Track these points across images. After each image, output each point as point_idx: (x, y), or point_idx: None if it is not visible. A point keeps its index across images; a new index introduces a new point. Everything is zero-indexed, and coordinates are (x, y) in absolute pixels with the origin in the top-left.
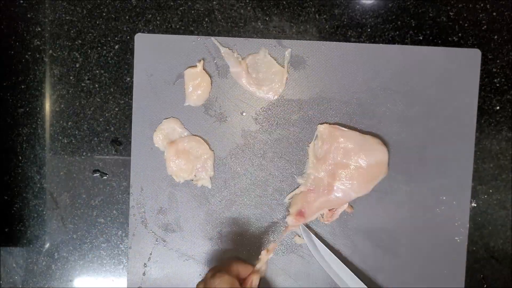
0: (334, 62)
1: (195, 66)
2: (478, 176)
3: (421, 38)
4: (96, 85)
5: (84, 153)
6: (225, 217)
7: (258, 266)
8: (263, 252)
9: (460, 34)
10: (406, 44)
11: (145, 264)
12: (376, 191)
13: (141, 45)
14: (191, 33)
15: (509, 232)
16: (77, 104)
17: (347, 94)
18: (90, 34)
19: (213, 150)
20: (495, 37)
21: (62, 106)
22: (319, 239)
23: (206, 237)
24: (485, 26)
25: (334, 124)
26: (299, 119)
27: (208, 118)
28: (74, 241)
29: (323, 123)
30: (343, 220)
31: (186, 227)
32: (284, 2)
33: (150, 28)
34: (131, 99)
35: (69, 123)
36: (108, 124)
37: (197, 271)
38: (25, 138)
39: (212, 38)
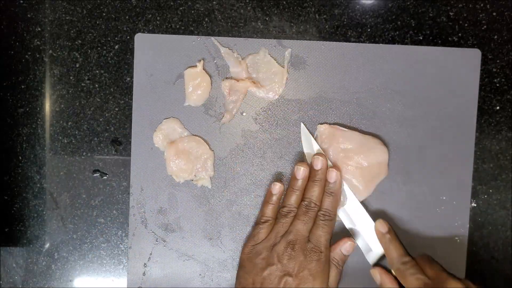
0: (334, 62)
1: (195, 66)
2: (478, 176)
3: (421, 38)
4: (96, 85)
5: (84, 153)
6: (225, 217)
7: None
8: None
9: (460, 34)
10: (406, 44)
11: (145, 264)
12: (376, 191)
13: (141, 45)
14: (191, 33)
15: (509, 232)
16: (77, 104)
17: (347, 94)
18: (90, 34)
19: (213, 150)
20: (495, 37)
21: (62, 106)
22: None
23: (206, 237)
24: (485, 26)
25: (334, 124)
26: (299, 119)
27: (208, 118)
28: (74, 241)
29: (323, 123)
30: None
31: (186, 227)
32: (284, 2)
33: (150, 28)
34: (131, 99)
35: (69, 123)
36: (108, 124)
37: (197, 271)
38: (25, 138)
39: (212, 38)
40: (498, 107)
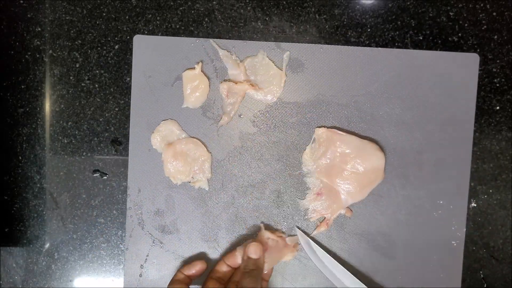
0: (332, 65)
1: (194, 68)
2: (478, 176)
3: (421, 38)
4: (96, 85)
5: (84, 153)
6: (222, 219)
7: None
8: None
9: (460, 34)
10: (406, 44)
11: (141, 265)
12: (373, 194)
13: (139, 47)
14: (191, 33)
15: (509, 232)
16: (77, 104)
17: (345, 98)
18: (90, 34)
19: (210, 152)
20: (495, 37)
21: (62, 106)
22: (316, 242)
23: (203, 239)
24: (485, 26)
25: (332, 127)
26: (297, 122)
27: (206, 120)
28: (74, 241)
29: (321, 126)
30: (340, 224)
31: (183, 229)
32: (284, 2)
33: (150, 28)
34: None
35: (69, 123)
36: (108, 124)
37: None
38: (25, 138)
39: (211, 40)
40: (498, 107)
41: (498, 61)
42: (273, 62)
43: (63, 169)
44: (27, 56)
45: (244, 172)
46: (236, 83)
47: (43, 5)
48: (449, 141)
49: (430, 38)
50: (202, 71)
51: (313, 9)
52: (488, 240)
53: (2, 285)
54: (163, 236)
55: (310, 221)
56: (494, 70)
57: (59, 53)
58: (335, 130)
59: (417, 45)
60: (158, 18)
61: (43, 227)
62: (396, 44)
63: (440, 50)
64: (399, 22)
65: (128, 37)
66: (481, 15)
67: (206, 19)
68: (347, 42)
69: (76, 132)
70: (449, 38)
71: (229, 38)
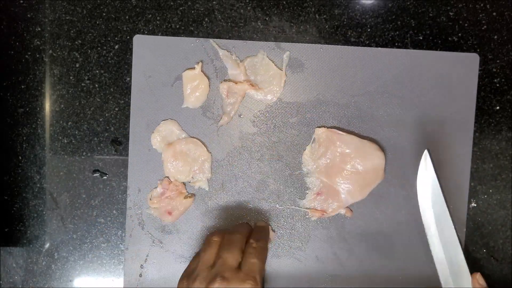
0: (332, 65)
1: (194, 68)
2: (478, 176)
3: (421, 38)
4: (96, 85)
5: (84, 153)
6: (222, 219)
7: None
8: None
9: (460, 34)
10: (406, 44)
11: (141, 265)
12: (373, 194)
13: (139, 47)
14: (191, 33)
15: (509, 232)
16: (77, 104)
17: (345, 98)
18: (90, 34)
19: (210, 152)
20: (495, 37)
21: (62, 106)
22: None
23: (203, 239)
24: (485, 26)
25: (332, 127)
26: (297, 122)
27: (206, 120)
28: (74, 241)
29: (321, 126)
30: (340, 223)
31: (183, 229)
32: (284, 2)
33: (150, 28)
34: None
35: (69, 123)
36: (108, 124)
37: None
38: (25, 138)
39: (211, 40)
40: (498, 107)
41: (498, 61)
42: (273, 62)
43: (63, 169)
44: (27, 56)
45: (244, 172)
46: (236, 83)
47: (43, 5)
48: (449, 141)
49: (430, 38)
50: (202, 71)
51: (313, 9)
52: (488, 240)
53: (2, 285)
54: (163, 236)
55: (310, 221)
56: (494, 70)
57: (59, 53)
58: (335, 130)
59: (417, 45)
60: (158, 18)
61: (43, 227)
62: (396, 44)
63: (440, 50)
64: (399, 22)
65: (128, 37)
66: (481, 15)
67: (206, 19)
68: (347, 42)
69: (76, 132)
70: (449, 38)
71: (229, 38)
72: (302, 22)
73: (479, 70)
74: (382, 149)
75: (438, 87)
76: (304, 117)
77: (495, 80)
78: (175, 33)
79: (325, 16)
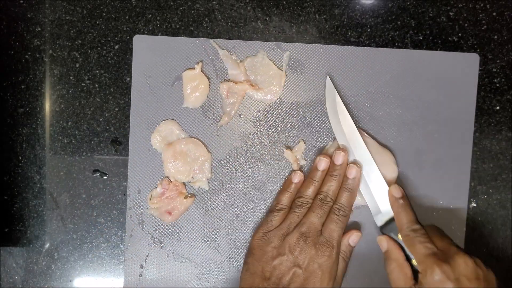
0: (332, 65)
1: (194, 68)
2: (478, 176)
3: (421, 38)
4: (96, 85)
5: (84, 153)
6: (222, 219)
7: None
8: None
9: (460, 34)
10: (406, 44)
11: (141, 265)
12: None
13: (139, 47)
14: (191, 33)
15: (509, 232)
16: (77, 104)
17: (345, 98)
18: (90, 34)
19: (210, 152)
20: (495, 37)
21: (62, 106)
22: None
23: (203, 239)
24: (485, 26)
25: (359, 127)
26: (297, 122)
27: (206, 120)
28: (74, 241)
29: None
30: None
31: (183, 229)
32: (284, 2)
33: (150, 28)
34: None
35: (69, 123)
36: (108, 124)
37: (193, 273)
38: (25, 138)
39: (211, 40)
40: (498, 107)
41: (498, 61)
42: (273, 62)
43: (63, 169)
44: (27, 56)
45: (244, 172)
46: (236, 83)
47: (43, 5)
48: (449, 141)
49: (430, 38)
50: (202, 71)
51: (313, 9)
52: (488, 240)
53: (2, 285)
54: (163, 236)
55: None
56: (494, 70)
57: (59, 53)
58: (361, 131)
59: (417, 45)
60: (158, 18)
61: (43, 227)
62: (396, 44)
63: (440, 50)
64: (399, 22)
65: (128, 37)
66: (481, 15)
67: (206, 19)
68: (347, 42)
69: (76, 132)
70: (449, 38)
71: (229, 38)
72: (302, 22)
73: (479, 70)
74: (397, 164)
75: (438, 87)
76: (304, 117)
77: (495, 80)
78: (175, 33)
79: (325, 16)
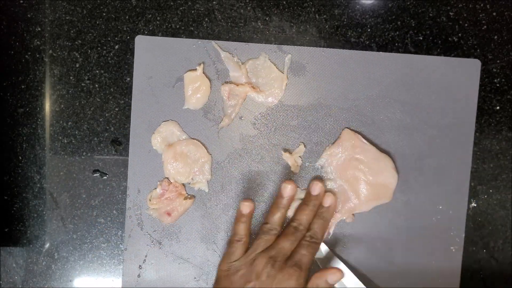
0: (334, 69)
1: (195, 69)
2: (478, 176)
3: (421, 38)
4: (96, 85)
5: (84, 153)
6: (221, 221)
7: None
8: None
9: (460, 34)
10: (406, 44)
11: (140, 266)
12: None
13: (141, 47)
14: (191, 33)
15: (509, 232)
16: (77, 104)
17: (346, 101)
18: (90, 34)
19: (211, 154)
20: (495, 37)
21: (62, 106)
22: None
23: (202, 240)
24: (485, 26)
25: (358, 132)
26: (297, 125)
27: (206, 122)
28: (74, 241)
29: (347, 127)
30: (339, 227)
31: (182, 230)
32: (284, 2)
33: (150, 28)
34: (131, 99)
35: (69, 123)
36: (108, 124)
37: (192, 274)
38: (25, 138)
39: (213, 42)
40: (498, 107)
41: (498, 61)
42: (274, 65)
43: (63, 169)
44: (27, 56)
45: (244, 174)
46: (237, 85)
47: (43, 5)
48: (449, 147)
49: (430, 38)
50: (203, 72)
51: (313, 9)
52: (488, 240)
53: (2, 285)
54: (162, 237)
55: None
56: (494, 70)
57: (59, 53)
58: (360, 137)
59: (417, 45)
60: (158, 18)
61: (43, 227)
62: (396, 44)
63: (440, 50)
64: (399, 22)
65: (128, 37)
66: (481, 15)
67: (206, 19)
68: (347, 42)
69: (76, 132)
70: (449, 38)
71: (229, 38)
72: (302, 22)
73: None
74: (397, 170)
75: (439, 93)
76: (305, 120)
77: (495, 80)
78: (175, 33)
79: (325, 16)
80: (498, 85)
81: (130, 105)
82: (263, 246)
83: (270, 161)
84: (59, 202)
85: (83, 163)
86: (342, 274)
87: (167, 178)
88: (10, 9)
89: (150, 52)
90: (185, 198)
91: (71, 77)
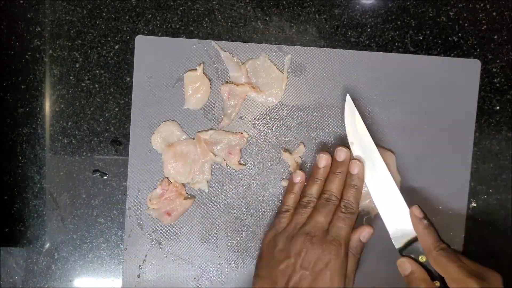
0: (334, 69)
1: (195, 69)
2: (478, 176)
3: (421, 38)
4: (96, 85)
5: (84, 153)
6: (221, 221)
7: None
8: None
9: (460, 34)
10: (406, 44)
11: (140, 266)
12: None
13: (141, 47)
14: (191, 33)
15: (509, 232)
16: (77, 104)
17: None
18: (90, 34)
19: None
20: (495, 37)
21: (62, 106)
22: None
23: (202, 240)
24: (485, 26)
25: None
26: (297, 125)
27: (206, 122)
28: (74, 241)
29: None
30: None
31: (182, 230)
32: (284, 2)
33: (150, 28)
34: (131, 99)
35: (69, 123)
36: (108, 124)
37: (191, 274)
38: (25, 138)
39: (213, 42)
40: (498, 107)
41: (498, 61)
42: (274, 65)
43: (63, 169)
44: (27, 56)
45: (244, 174)
46: (237, 85)
47: (43, 5)
48: (449, 147)
49: (430, 38)
50: (203, 72)
51: (313, 9)
52: (488, 240)
53: (2, 285)
54: (161, 237)
55: None
56: (494, 70)
57: (59, 53)
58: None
59: (417, 45)
60: (158, 18)
61: (43, 227)
62: (396, 44)
63: (440, 50)
64: (399, 22)
65: (128, 37)
66: (481, 15)
67: (206, 19)
68: (347, 42)
69: (76, 132)
70: (449, 38)
71: (229, 38)
72: (302, 22)
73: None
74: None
75: (439, 93)
76: (305, 120)
77: (495, 80)
78: (175, 33)
79: (325, 16)
80: (498, 85)
81: (130, 105)
82: (302, 220)
83: (270, 161)
84: (59, 202)
85: (83, 163)
86: (372, 229)
87: (167, 178)
88: (10, 9)
89: (150, 52)
90: (185, 198)
91: (71, 77)
